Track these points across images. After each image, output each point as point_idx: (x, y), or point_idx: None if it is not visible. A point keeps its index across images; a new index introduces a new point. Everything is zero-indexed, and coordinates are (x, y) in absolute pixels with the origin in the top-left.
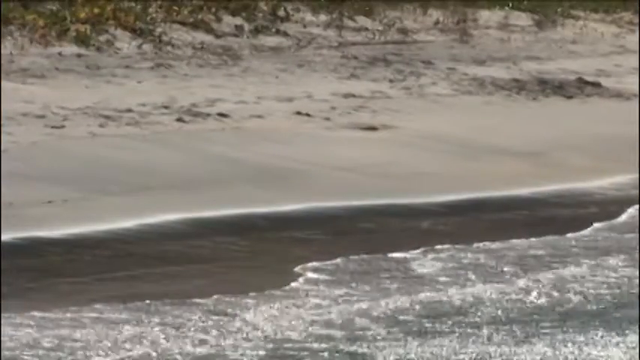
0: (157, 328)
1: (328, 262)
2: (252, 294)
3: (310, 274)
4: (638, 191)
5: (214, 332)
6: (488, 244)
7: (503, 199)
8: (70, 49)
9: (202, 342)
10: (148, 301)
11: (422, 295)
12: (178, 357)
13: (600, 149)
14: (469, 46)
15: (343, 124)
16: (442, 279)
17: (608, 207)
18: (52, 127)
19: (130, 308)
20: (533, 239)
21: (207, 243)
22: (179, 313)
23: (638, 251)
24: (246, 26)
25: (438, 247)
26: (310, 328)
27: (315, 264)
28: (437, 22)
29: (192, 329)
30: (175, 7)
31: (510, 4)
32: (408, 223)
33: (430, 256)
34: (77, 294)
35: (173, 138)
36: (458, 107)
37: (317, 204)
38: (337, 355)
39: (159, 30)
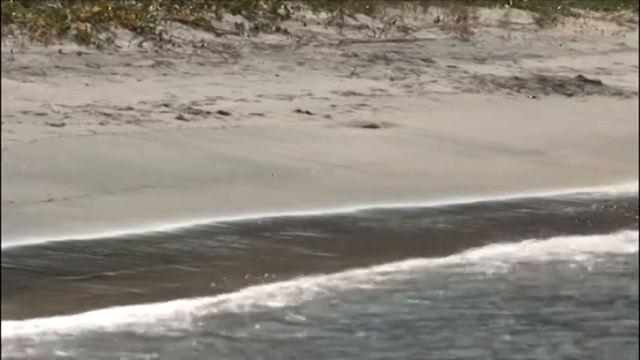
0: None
1: None
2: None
3: None
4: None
5: None
6: None
7: (503, 197)
8: (71, 47)
9: None
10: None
11: None
12: None
13: (600, 147)
14: (469, 44)
15: (344, 122)
16: None
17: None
18: (53, 125)
19: None
20: None
21: (207, 242)
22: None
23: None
24: (247, 24)
25: None
26: None
27: None
28: (437, 20)
29: None
30: (176, 6)
31: (511, 2)
32: (409, 222)
33: None
34: (77, 292)
35: (173, 136)
36: (458, 105)
37: (317, 202)
38: None
39: (159, 28)
